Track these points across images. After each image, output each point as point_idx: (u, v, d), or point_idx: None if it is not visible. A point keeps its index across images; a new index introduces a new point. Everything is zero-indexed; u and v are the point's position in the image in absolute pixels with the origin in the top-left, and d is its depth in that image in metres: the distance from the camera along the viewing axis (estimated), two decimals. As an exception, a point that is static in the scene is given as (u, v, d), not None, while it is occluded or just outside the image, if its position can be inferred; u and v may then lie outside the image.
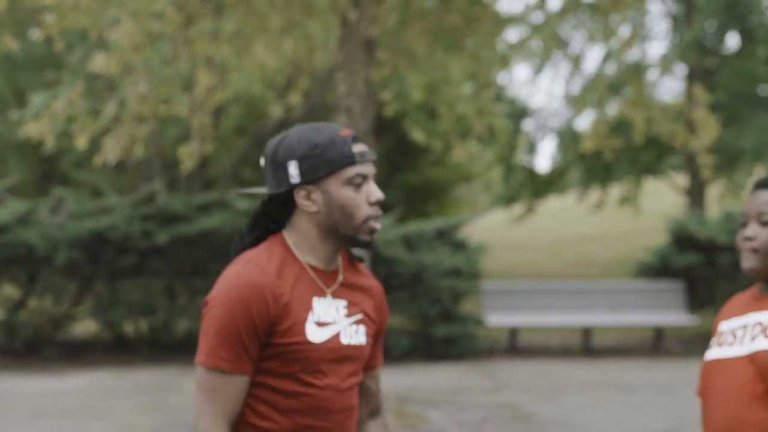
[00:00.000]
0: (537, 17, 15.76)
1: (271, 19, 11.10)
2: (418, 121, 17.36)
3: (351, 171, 2.89)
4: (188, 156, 12.05)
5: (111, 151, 11.54)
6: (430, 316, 14.93)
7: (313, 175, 2.88)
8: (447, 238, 15.74)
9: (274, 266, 2.88)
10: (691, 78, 21.19)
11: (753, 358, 3.31)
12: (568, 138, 22.31)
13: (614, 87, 16.94)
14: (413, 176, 24.25)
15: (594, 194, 23.11)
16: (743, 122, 20.63)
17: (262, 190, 3.01)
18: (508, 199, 23.79)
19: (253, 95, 18.73)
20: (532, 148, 23.26)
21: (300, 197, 2.91)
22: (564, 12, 14.97)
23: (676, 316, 15.51)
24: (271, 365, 2.85)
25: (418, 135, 16.22)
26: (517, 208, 23.72)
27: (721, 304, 14.71)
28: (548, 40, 15.27)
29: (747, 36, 21.26)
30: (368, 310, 3.02)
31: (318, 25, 11.55)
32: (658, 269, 16.57)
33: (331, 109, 11.56)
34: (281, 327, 2.83)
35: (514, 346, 15.55)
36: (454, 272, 15.06)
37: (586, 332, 15.54)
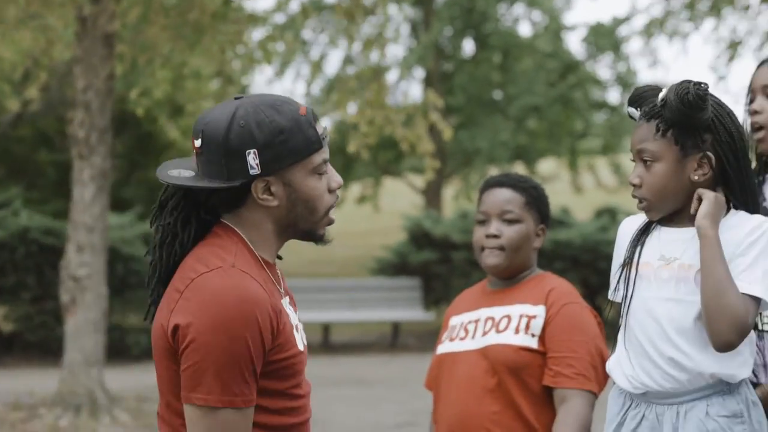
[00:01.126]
0: (280, 18, 15.93)
1: (7, 9, 10.75)
2: (162, 117, 17.16)
3: (318, 158, 2.47)
4: None
5: None
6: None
7: (276, 166, 2.43)
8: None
9: (254, 270, 2.45)
10: (429, 82, 21.84)
11: (485, 353, 3.44)
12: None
13: (352, 90, 17.28)
14: (154, 173, 23.93)
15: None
16: (478, 125, 21.43)
17: (189, 176, 2.49)
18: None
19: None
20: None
21: (258, 190, 2.45)
22: (305, 14, 15.17)
23: (412, 312, 15.99)
24: (265, 384, 2.41)
25: (172, 132, 16.03)
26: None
27: (456, 300, 15.23)
28: (290, 41, 15.43)
29: (482, 42, 22.10)
30: None
31: (56, 18, 11.27)
32: (396, 267, 16.98)
33: (70, 104, 11.29)
34: (280, 340, 2.41)
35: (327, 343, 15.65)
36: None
37: (326, 328, 15.80)
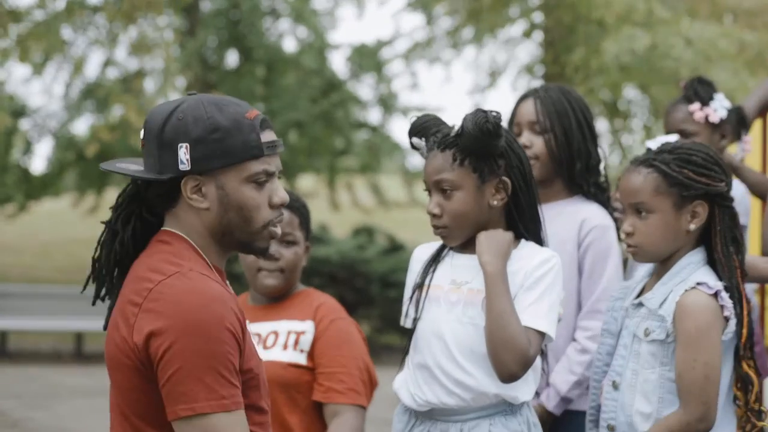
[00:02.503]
0: (40, 15, 15.44)
1: None
2: None
3: (256, 166, 2.34)
4: None
5: None
6: None
7: (206, 165, 2.31)
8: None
9: (211, 274, 2.33)
10: (192, 90, 21.63)
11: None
12: (65, 141, 21.96)
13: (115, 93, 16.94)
14: None
15: (90, 199, 22.90)
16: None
17: (137, 169, 2.39)
18: (1, 199, 22.97)
19: None
20: (29, 148, 22.65)
21: (188, 189, 2.34)
22: (68, 13, 14.80)
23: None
24: None
25: None
26: (10, 208, 22.97)
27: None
28: (51, 40, 15.01)
29: (247, 55, 22.06)
30: None
31: None
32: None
33: None
34: (245, 348, 2.31)
35: (4, 351, 15.07)
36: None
37: (79, 337, 15.38)
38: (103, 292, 2.47)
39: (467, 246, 3.04)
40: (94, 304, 2.50)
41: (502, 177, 2.96)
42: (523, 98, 3.70)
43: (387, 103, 21.81)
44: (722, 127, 4.03)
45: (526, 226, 3.04)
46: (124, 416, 2.34)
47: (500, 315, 2.87)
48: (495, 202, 2.97)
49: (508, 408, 2.96)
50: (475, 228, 2.99)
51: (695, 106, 4.00)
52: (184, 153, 2.29)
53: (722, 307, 2.93)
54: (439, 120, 3.05)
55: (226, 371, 2.22)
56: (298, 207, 3.53)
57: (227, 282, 2.46)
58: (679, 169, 2.95)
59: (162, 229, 2.41)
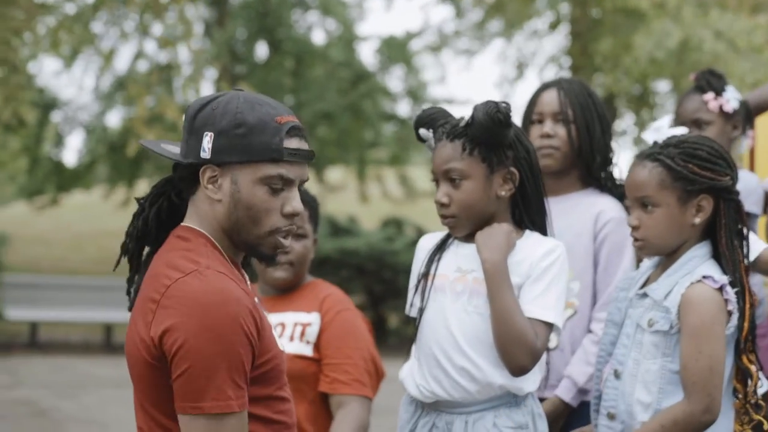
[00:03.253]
0: (70, 8, 15.55)
1: None
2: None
3: (272, 169, 2.36)
4: None
5: None
6: (-56, 309, 14.30)
7: (225, 158, 2.36)
8: (-35, 228, 15.13)
9: (228, 270, 2.37)
10: (220, 82, 21.70)
11: None
12: (97, 133, 22.10)
13: (148, 84, 17.02)
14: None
15: (121, 191, 23.05)
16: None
17: (169, 150, 2.47)
18: (32, 191, 23.14)
19: None
20: (60, 141, 22.81)
21: (205, 177, 2.39)
22: (97, 6, 14.88)
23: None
24: (254, 391, 2.35)
25: None
26: (42, 200, 23.14)
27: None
28: (80, 33, 15.10)
29: (276, 47, 22.11)
30: None
31: None
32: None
33: None
34: (263, 341, 2.35)
35: (34, 341, 15.22)
36: (-26, 264, 14.52)
37: (108, 328, 15.51)
38: (130, 273, 2.52)
39: (472, 235, 3.06)
40: (128, 293, 2.53)
41: (510, 168, 2.99)
42: (545, 88, 3.69)
43: (416, 95, 21.80)
44: (734, 117, 4.05)
45: (531, 217, 3.06)
46: (144, 409, 2.40)
47: (504, 311, 2.90)
48: (503, 193, 3.00)
49: (512, 400, 2.98)
50: (482, 218, 3.01)
51: (710, 95, 4.02)
52: (207, 141, 2.35)
53: (726, 300, 2.94)
54: (447, 112, 3.07)
55: (236, 373, 2.26)
56: (308, 200, 3.56)
57: (244, 273, 2.50)
58: (684, 163, 2.96)
59: (181, 224, 2.45)
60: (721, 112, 4.01)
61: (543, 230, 3.08)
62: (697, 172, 2.96)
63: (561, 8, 16.12)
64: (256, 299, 2.47)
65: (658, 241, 3.01)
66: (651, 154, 3.01)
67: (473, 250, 3.02)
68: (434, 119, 3.05)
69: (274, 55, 22.35)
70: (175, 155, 2.43)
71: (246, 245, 2.42)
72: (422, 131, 3.07)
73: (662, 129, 3.57)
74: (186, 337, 2.24)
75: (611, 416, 3.04)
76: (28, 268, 20.75)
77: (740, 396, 3.01)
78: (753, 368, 2.99)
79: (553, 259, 2.98)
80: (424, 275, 3.09)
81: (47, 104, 22.36)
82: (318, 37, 22.63)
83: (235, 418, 2.26)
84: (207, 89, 23.06)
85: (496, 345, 2.91)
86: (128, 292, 2.54)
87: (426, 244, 3.18)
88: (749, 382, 2.99)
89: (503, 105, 2.93)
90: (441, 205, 3.02)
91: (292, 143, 2.37)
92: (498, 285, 2.92)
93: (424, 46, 19.86)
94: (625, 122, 16.92)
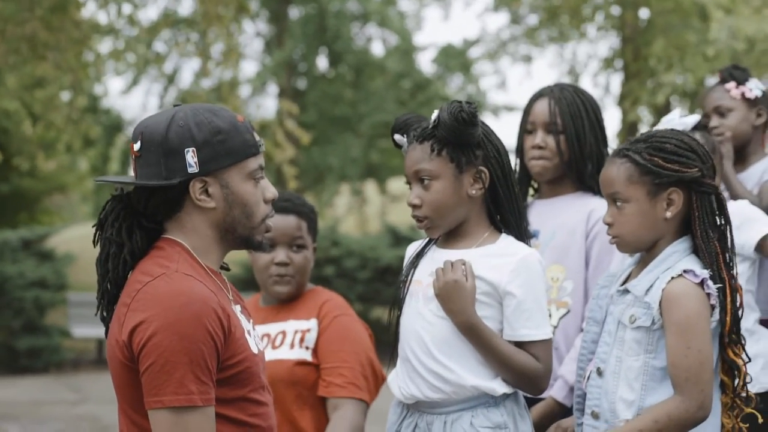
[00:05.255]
0: (130, 30, 15.79)
1: None
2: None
3: (253, 163, 2.51)
4: None
5: None
6: (13, 327, 14.59)
7: (214, 166, 2.46)
8: (33, 248, 15.43)
9: (198, 274, 2.47)
10: (282, 97, 21.90)
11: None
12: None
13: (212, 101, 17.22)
14: (1, 186, 23.42)
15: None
16: (330, 142, 21.56)
17: (128, 179, 2.53)
18: (100, 211, 23.50)
19: None
20: (126, 161, 23.14)
21: (196, 190, 2.48)
22: (157, 27, 15.09)
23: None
24: (225, 393, 2.43)
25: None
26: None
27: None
28: (142, 53, 15.33)
29: (335, 60, 22.26)
30: None
31: None
32: (245, 282, 16.93)
33: None
34: (232, 343, 2.43)
35: (101, 358, 15.45)
36: (39, 283, 14.79)
37: (100, 343, 15.63)
38: (105, 302, 2.58)
39: (448, 240, 3.09)
40: (106, 336, 2.58)
41: (479, 167, 3.01)
42: (537, 97, 3.72)
43: (476, 102, 21.80)
44: (758, 105, 4.11)
45: (505, 218, 3.06)
46: (124, 412, 2.49)
47: (498, 360, 2.96)
48: (473, 192, 3.01)
49: (490, 400, 2.99)
50: (455, 219, 3.03)
51: (731, 84, 4.11)
52: (191, 156, 2.44)
53: (708, 295, 2.93)
54: (421, 117, 3.11)
55: (198, 369, 2.34)
56: (306, 212, 3.62)
57: (226, 281, 2.58)
58: (649, 157, 2.95)
59: (162, 236, 2.54)
60: (744, 99, 4.10)
61: (518, 232, 3.08)
62: (662, 165, 2.94)
63: (611, 11, 16.03)
64: (238, 306, 2.55)
65: (631, 237, 3.02)
66: (620, 151, 3.01)
67: (448, 254, 3.05)
68: (408, 125, 3.09)
69: (333, 68, 22.50)
70: (157, 180, 2.47)
71: (241, 239, 2.54)
72: (397, 137, 3.11)
73: (673, 121, 3.59)
74: (150, 334, 2.34)
75: (595, 415, 3.02)
76: (94, 287, 21.03)
77: (728, 390, 3.01)
78: (740, 361, 2.98)
79: (530, 273, 2.98)
80: (402, 281, 3.14)
81: (113, 125, 22.74)
82: (377, 49, 22.74)
83: (198, 413, 2.34)
84: (270, 104, 23.27)
85: (509, 383, 3.00)
86: (103, 319, 2.62)
87: (411, 251, 3.22)
88: (737, 374, 2.98)
89: (468, 105, 2.96)
90: (413, 207, 3.05)
91: (255, 135, 2.52)
92: (478, 340, 2.96)
93: (482, 53, 19.84)
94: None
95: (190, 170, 2.44)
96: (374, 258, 16.07)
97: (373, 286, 15.87)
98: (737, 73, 4.13)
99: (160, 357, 2.33)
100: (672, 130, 3.09)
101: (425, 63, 28.36)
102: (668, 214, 2.99)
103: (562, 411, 3.50)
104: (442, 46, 21.53)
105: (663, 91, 14.09)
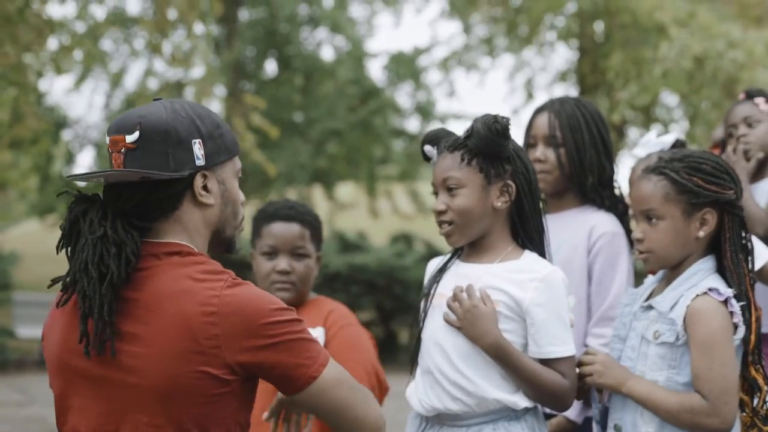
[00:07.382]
0: (80, 27, 15.62)
1: None
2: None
3: (238, 161, 2.44)
4: None
5: None
6: (-45, 327, 14.36)
7: (215, 160, 2.35)
8: (-24, 247, 15.18)
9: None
10: (230, 99, 21.75)
11: None
12: (105, 150, 22.20)
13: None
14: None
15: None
16: (278, 146, 21.46)
17: (136, 170, 2.28)
18: (43, 209, 23.21)
19: None
20: (70, 159, 22.89)
21: (198, 184, 2.34)
22: (107, 24, 14.94)
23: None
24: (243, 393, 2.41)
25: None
26: (53, 218, 23.20)
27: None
28: (90, 51, 15.17)
29: (285, 64, 22.18)
30: None
31: None
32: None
33: None
34: None
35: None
36: (-16, 282, 14.58)
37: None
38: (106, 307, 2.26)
39: (471, 254, 3.11)
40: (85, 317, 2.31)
41: (507, 180, 3.02)
42: (539, 111, 3.73)
43: (425, 111, 21.84)
44: None
45: (529, 234, 3.08)
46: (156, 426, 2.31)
47: (526, 380, 2.97)
48: (499, 204, 3.03)
49: (512, 413, 3.01)
50: (478, 229, 3.05)
51: (761, 99, 4.19)
52: (198, 148, 2.31)
53: (732, 313, 2.95)
54: (451, 132, 3.14)
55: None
56: (310, 220, 3.61)
57: None
58: (688, 177, 2.99)
59: (169, 241, 2.33)
60: None
61: (541, 248, 3.10)
62: (702, 185, 2.98)
63: (569, 23, 16.14)
64: None
65: (662, 253, 3.04)
66: (656, 168, 3.03)
67: (471, 269, 3.07)
68: (439, 137, 3.13)
69: (283, 72, 22.41)
70: (161, 172, 2.28)
71: (224, 241, 2.43)
72: (427, 147, 3.14)
73: (650, 143, 3.63)
74: (284, 316, 2.39)
75: (618, 429, 3.06)
76: (39, 287, 20.80)
77: (747, 409, 3.02)
78: (761, 380, 3.00)
79: (554, 290, 2.99)
80: (426, 295, 3.14)
81: (58, 122, 22.45)
82: (327, 54, 22.68)
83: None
84: (215, 106, 23.14)
85: (535, 400, 3.01)
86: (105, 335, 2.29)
87: (433, 267, 3.24)
88: (757, 393, 3.00)
89: (502, 117, 2.97)
90: (438, 213, 3.07)
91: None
92: (507, 360, 2.97)
93: (433, 62, 19.90)
94: (632, 137, 16.92)
95: (197, 162, 2.30)
96: (323, 264, 16.00)
97: (322, 292, 15.73)
98: (764, 92, 4.24)
99: (300, 332, 2.42)
100: (704, 151, 3.12)
101: (375, 71, 28.44)
102: (701, 234, 3.01)
103: (573, 429, 3.50)
104: (393, 54, 21.54)
105: (619, 110, 14.18)
